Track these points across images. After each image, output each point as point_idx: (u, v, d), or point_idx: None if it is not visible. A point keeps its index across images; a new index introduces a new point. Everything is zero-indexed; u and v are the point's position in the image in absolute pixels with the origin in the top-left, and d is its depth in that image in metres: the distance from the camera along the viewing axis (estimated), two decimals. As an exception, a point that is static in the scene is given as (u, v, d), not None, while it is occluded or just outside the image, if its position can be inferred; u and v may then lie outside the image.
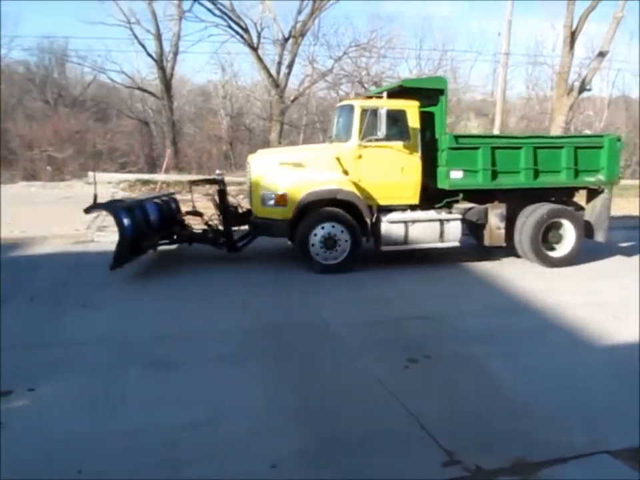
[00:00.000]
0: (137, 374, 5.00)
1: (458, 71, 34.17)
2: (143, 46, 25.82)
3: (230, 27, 24.34)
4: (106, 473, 3.50)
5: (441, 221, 9.06)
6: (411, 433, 4.00)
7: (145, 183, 20.62)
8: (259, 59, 25.12)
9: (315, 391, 4.71)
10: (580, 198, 10.10)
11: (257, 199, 8.91)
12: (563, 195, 9.84)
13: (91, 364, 5.20)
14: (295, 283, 8.18)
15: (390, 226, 8.85)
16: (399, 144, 8.93)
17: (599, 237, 9.64)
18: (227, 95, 33.32)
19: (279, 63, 25.53)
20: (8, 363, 5.13)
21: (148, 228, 8.62)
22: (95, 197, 8.25)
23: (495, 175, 9.04)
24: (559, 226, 9.42)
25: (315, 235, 8.67)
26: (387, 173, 8.95)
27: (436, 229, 9.01)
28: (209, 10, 23.81)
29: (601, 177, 9.50)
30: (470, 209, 9.46)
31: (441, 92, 9.13)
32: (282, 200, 8.67)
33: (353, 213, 8.80)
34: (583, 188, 9.90)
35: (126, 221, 7.97)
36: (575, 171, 9.37)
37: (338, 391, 4.71)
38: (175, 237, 9.57)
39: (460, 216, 9.20)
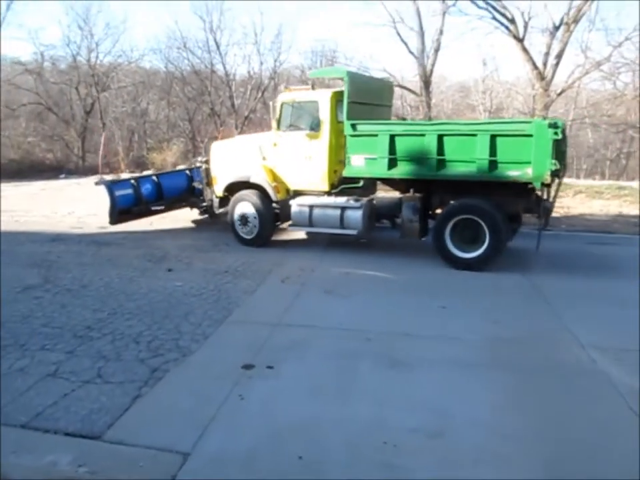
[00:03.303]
0: (369, 367, 4.96)
1: None
2: (406, 44, 26.20)
3: (494, 18, 23.31)
4: (324, 464, 3.48)
5: (342, 209, 9.10)
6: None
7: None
8: (524, 50, 23.61)
9: (559, 418, 4.09)
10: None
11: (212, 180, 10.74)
12: (513, 191, 8.27)
13: (327, 350, 5.32)
14: (538, 291, 7.37)
15: (298, 209, 9.50)
16: (303, 133, 9.42)
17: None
18: (487, 90, 32.14)
19: (547, 54, 23.64)
20: (256, 338, 5.57)
21: (147, 197, 10.80)
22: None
23: (394, 163, 8.60)
24: (475, 225, 8.30)
25: (236, 211, 9.99)
26: (296, 160, 9.62)
27: (336, 216, 9.16)
28: (473, 2, 23.10)
29: (530, 171, 7.79)
30: (381, 198, 9.54)
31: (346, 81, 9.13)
32: (214, 181, 10.52)
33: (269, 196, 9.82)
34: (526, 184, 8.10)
35: (117, 192, 10.22)
36: (492, 163, 7.95)
37: (588, 422, 4.02)
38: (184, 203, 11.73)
39: (359, 205, 9.08)
